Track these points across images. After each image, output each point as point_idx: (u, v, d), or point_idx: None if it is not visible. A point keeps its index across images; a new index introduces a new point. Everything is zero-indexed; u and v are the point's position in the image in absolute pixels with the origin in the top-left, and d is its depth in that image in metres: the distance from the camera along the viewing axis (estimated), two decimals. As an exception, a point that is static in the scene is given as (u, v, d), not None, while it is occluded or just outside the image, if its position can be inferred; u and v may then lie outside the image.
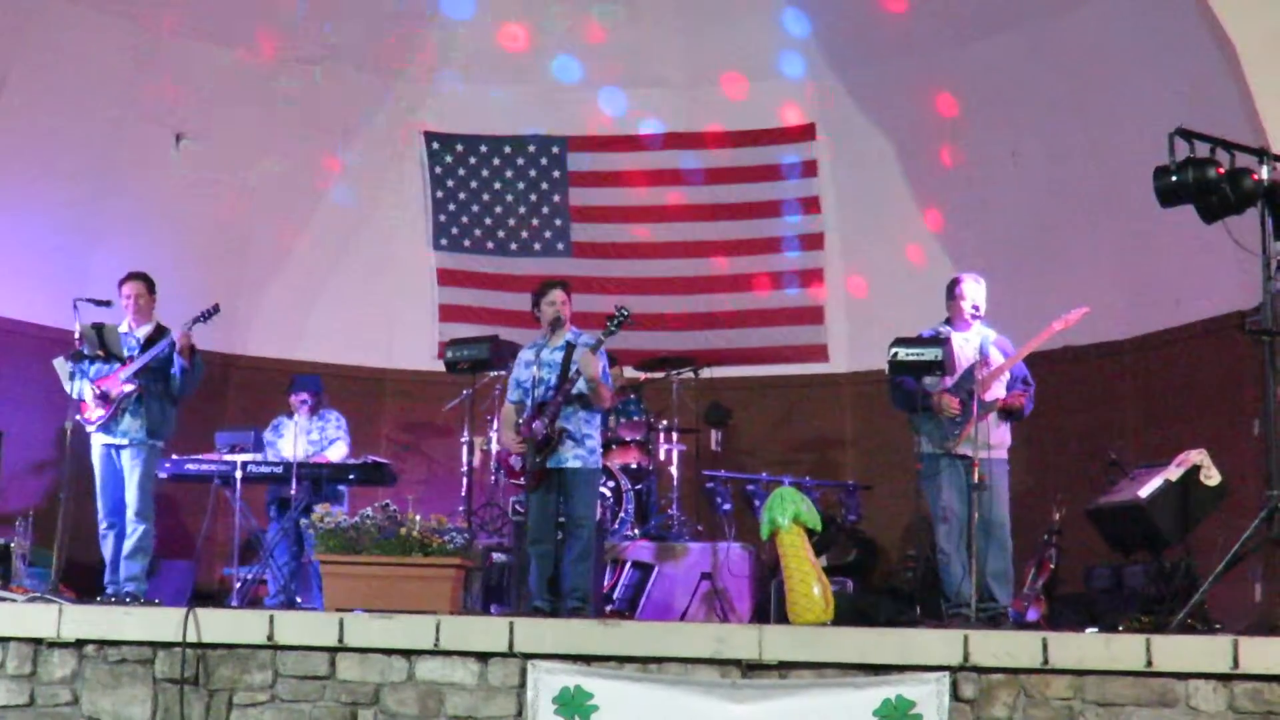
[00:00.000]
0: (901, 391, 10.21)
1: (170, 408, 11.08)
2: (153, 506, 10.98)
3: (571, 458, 10.09)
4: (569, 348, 10.19)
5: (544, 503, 10.09)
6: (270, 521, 12.32)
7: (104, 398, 10.77)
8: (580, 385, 10.09)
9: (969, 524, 9.73)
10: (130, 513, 10.80)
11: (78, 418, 10.66)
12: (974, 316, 10.23)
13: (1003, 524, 9.95)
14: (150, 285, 11.21)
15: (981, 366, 9.98)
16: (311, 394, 12.67)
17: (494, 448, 12.98)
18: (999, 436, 10.10)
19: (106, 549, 10.89)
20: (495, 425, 12.92)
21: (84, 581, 11.22)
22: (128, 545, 10.77)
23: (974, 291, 10.26)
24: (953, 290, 10.38)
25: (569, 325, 10.41)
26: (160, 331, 11.05)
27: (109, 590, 10.70)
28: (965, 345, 10.18)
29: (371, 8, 14.03)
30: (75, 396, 10.69)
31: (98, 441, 10.94)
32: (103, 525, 10.91)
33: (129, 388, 10.81)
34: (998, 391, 10.07)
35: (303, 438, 12.38)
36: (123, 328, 11.00)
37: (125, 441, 10.86)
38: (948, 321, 10.39)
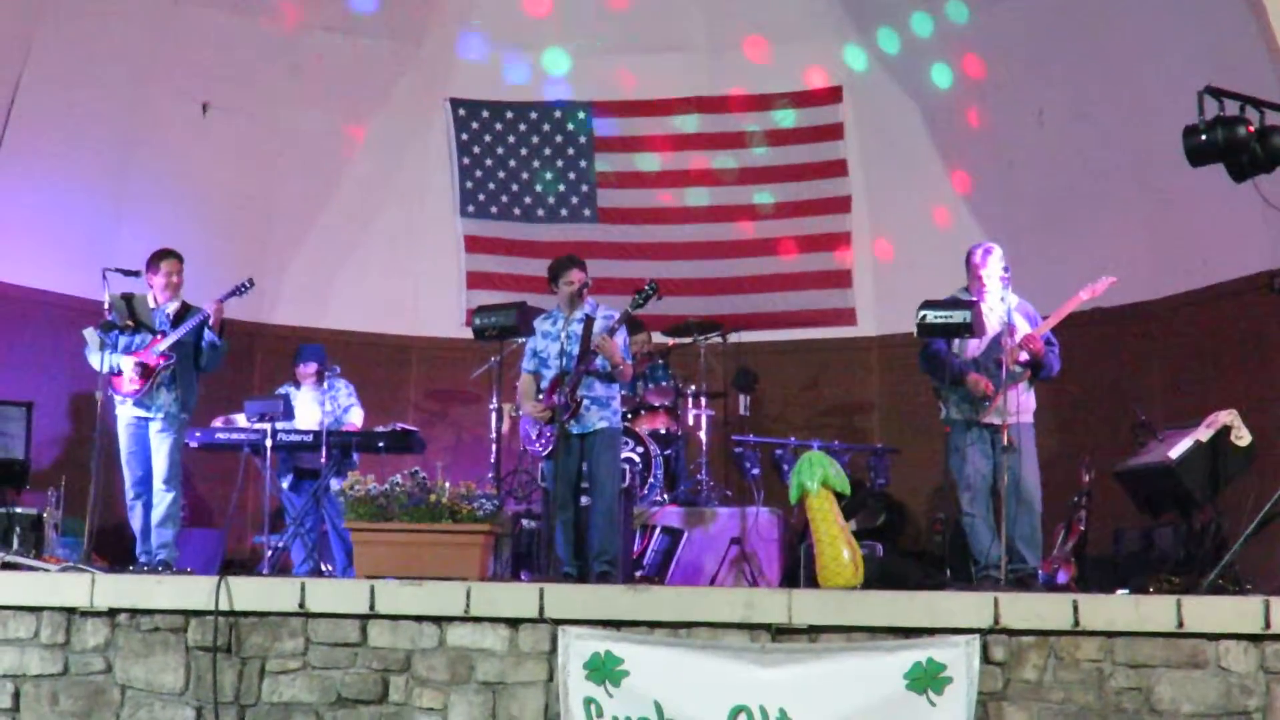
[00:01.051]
0: (936, 361, 10.19)
1: (197, 381, 11.14)
2: (181, 475, 11.03)
3: (597, 420, 10.27)
4: (588, 320, 10.27)
5: (565, 468, 10.25)
6: (282, 490, 12.35)
7: (144, 370, 10.79)
8: (600, 362, 10.22)
9: (996, 487, 9.75)
10: (158, 481, 10.84)
11: (110, 391, 10.69)
12: (1003, 279, 10.15)
13: (1031, 487, 9.93)
14: (180, 260, 11.22)
15: (1008, 335, 9.95)
16: (319, 363, 12.75)
17: (522, 414, 13.02)
18: (1026, 402, 10.07)
19: (135, 520, 10.92)
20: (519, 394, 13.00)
21: (116, 550, 11.29)
22: (157, 513, 10.81)
23: (995, 260, 10.21)
24: (969, 261, 10.34)
25: (586, 297, 10.50)
26: (186, 308, 11.07)
27: (141, 560, 10.75)
28: (989, 314, 10.12)
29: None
30: (106, 370, 10.73)
31: (126, 414, 10.94)
32: (130, 495, 10.94)
33: (167, 361, 10.84)
34: (1023, 355, 10.03)
35: (317, 408, 12.45)
36: (150, 302, 11.02)
37: (159, 415, 10.88)
38: (966, 290, 10.36)
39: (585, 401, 10.22)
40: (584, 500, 10.34)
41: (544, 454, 10.47)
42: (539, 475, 12.33)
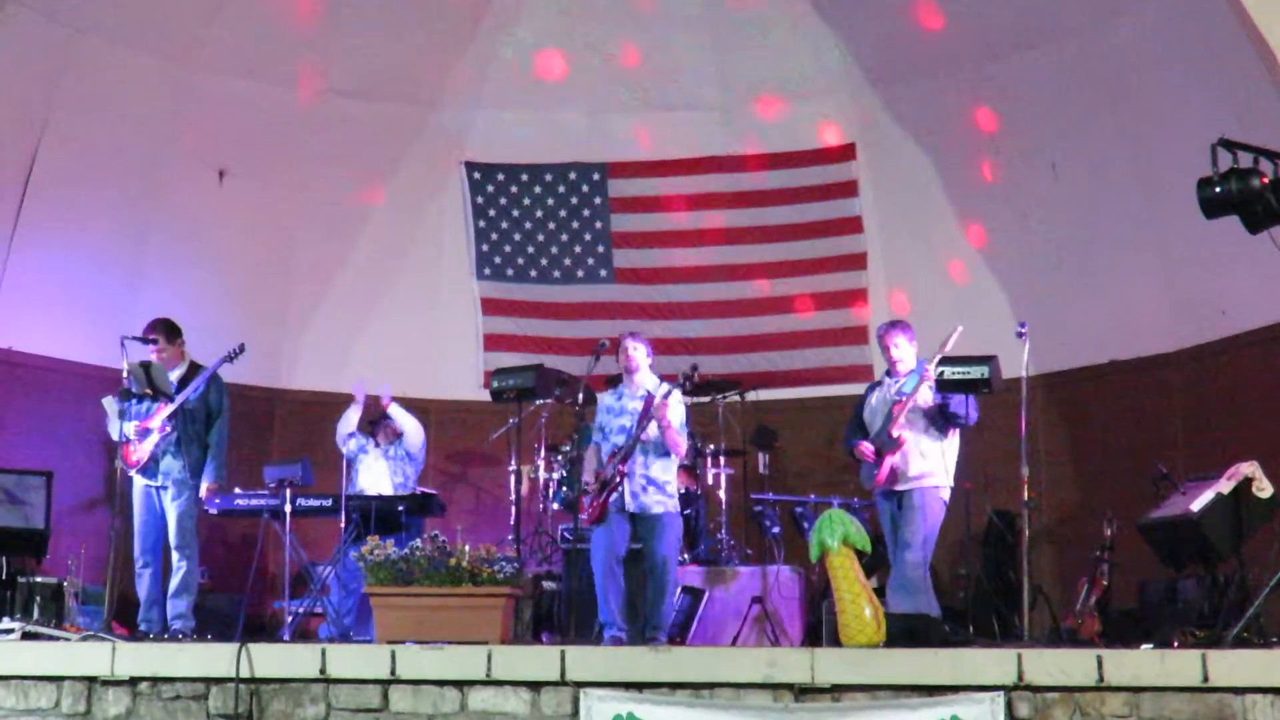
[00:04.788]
0: (848, 449, 10.72)
1: (209, 446, 11.17)
2: (196, 544, 11.05)
3: (654, 503, 10.51)
4: (650, 397, 10.45)
5: (611, 538, 10.49)
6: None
7: (144, 434, 10.81)
8: (652, 432, 10.44)
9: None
10: (172, 549, 10.86)
11: (119, 464, 10.68)
12: (895, 362, 10.59)
13: (911, 545, 10.25)
14: (169, 334, 11.23)
15: (897, 406, 10.26)
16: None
17: (541, 476, 13.03)
18: (920, 466, 10.28)
19: (142, 588, 10.93)
20: (541, 454, 13.00)
21: (136, 619, 11.27)
22: (173, 583, 10.84)
23: (893, 338, 10.60)
24: (881, 342, 10.79)
25: (637, 373, 10.78)
26: (193, 370, 11.11)
27: (142, 627, 10.73)
28: (889, 389, 10.53)
29: (409, 40, 14.09)
30: (118, 438, 10.77)
31: (138, 482, 11.00)
32: (139, 564, 10.97)
33: (169, 429, 10.85)
34: (906, 429, 10.30)
35: (383, 461, 12.87)
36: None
37: (167, 482, 10.90)
38: (888, 373, 10.75)
39: (644, 482, 10.45)
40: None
41: (586, 521, 10.55)
42: (558, 536, 12.37)
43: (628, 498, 10.45)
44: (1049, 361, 12.55)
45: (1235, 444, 11.23)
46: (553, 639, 11.09)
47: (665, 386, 10.54)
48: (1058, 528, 13.16)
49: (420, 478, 13.53)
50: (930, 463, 10.28)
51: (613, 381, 12.84)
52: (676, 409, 10.55)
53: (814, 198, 14.66)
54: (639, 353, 10.78)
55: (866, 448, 10.33)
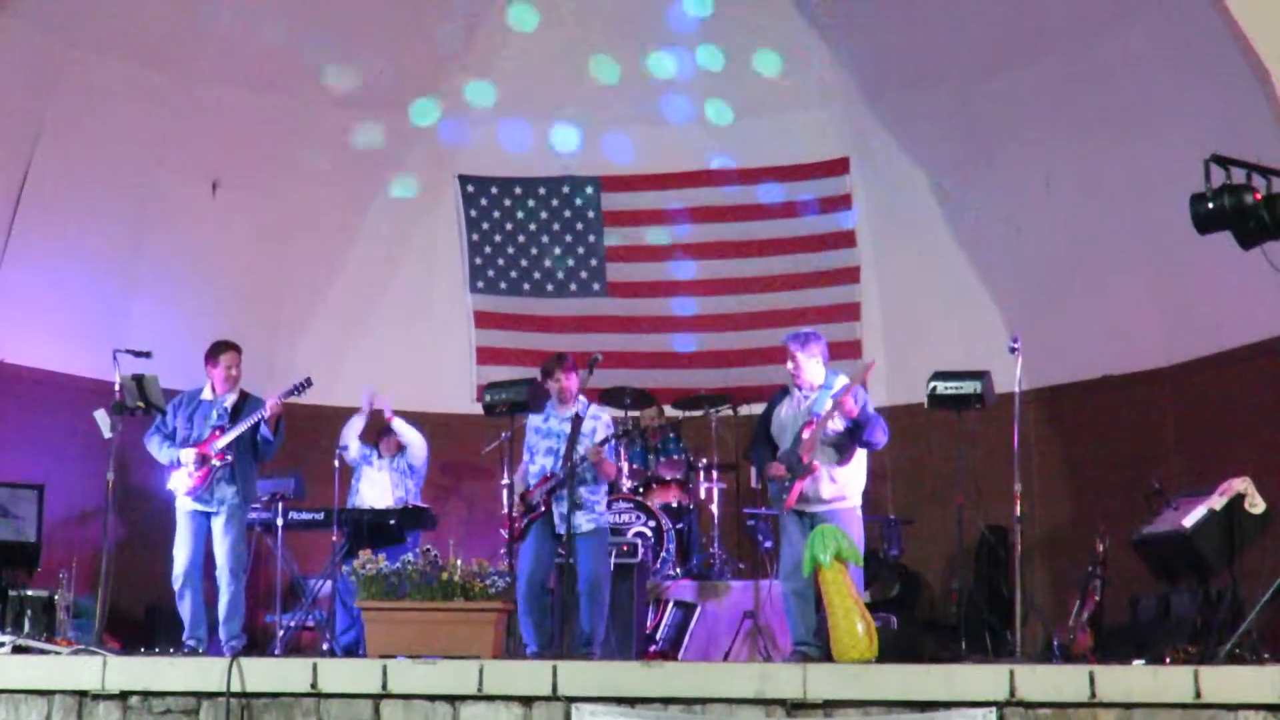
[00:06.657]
0: (754, 464, 10.59)
1: (255, 471, 11.15)
2: (244, 566, 10.99)
3: (584, 523, 10.47)
4: (576, 419, 10.38)
5: (534, 560, 10.50)
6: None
7: (203, 462, 10.72)
8: (584, 466, 10.44)
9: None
10: (223, 574, 10.77)
11: (110, 475, 10.59)
12: (795, 375, 10.17)
13: None
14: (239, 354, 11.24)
15: (806, 428, 9.94)
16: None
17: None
18: (832, 491, 9.97)
19: (185, 608, 10.75)
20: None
21: (127, 632, 11.24)
22: (223, 609, 10.73)
23: (800, 350, 10.19)
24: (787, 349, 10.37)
25: (575, 397, 10.70)
26: (244, 397, 11.04)
27: (190, 644, 10.61)
28: (800, 408, 10.13)
29: (404, 52, 14.10)
30: (168, 463, 10.74)
31: (186, 505, 10.85)
32: (178, 584, 10.77)
33: (228, 457, 10.78)
34: (816, 455, 9.96)
35: (386, 473, 12.98)
36: (206, 394, 11.00)
37: (221, 509, 10.79)
38: (795, 384, 10.36)
39: (549, 503, 10.45)
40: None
41: (509, 540, 10.62)
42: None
43: (555, 520, 10.41)
44: (1042, 376, 12.50)
45: (1228, 459, 11.23)
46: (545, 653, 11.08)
47: (596, 425, 10.58)
48: (1050, 542, 13.15)
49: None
50: (841, 485, 10.04)
51: (606, 396, 12.89)
52: (604, 438, 10.59)
53: (807, 211, 14.68)
54: (570, 381, 10.75)
55: (779, 470, 10.02)
